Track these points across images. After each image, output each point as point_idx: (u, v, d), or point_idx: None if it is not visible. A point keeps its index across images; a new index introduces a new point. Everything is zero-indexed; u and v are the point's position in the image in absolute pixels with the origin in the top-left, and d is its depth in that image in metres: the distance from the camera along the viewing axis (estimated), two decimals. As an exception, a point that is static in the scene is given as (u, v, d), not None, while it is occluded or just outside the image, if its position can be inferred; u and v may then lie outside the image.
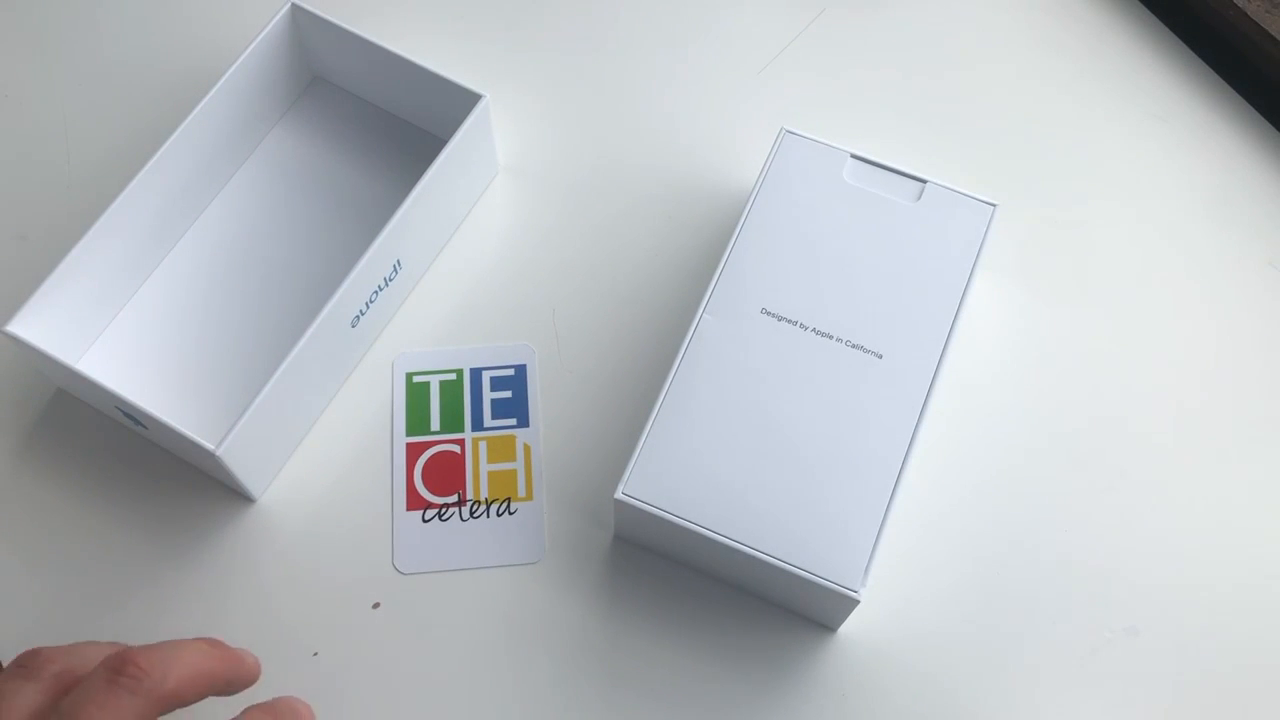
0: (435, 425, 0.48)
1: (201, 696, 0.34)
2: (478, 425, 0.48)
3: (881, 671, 0.43)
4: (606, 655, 0.44)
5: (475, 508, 0.46)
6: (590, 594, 0.45)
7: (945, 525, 0.46)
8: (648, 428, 0.43)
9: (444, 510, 0.46)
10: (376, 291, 0.47)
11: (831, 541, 0.41)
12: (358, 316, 0.46)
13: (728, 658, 0.44)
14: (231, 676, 0.35)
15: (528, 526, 0.46)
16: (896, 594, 0.44)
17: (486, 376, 0.49)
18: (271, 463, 0.46)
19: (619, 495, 0.42)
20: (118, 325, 0.49)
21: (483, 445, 0.47)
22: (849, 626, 0.44)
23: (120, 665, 0.32)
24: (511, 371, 0.49)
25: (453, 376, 0.49)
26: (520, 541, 0.46)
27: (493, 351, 0.49)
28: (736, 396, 0.43)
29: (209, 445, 0.41)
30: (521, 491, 0.47)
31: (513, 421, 0.48)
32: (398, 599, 0.45)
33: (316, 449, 0.47)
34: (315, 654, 0.44)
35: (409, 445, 0.47)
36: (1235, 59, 0.56)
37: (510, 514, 0.46)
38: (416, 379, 0.49)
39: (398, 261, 0.47)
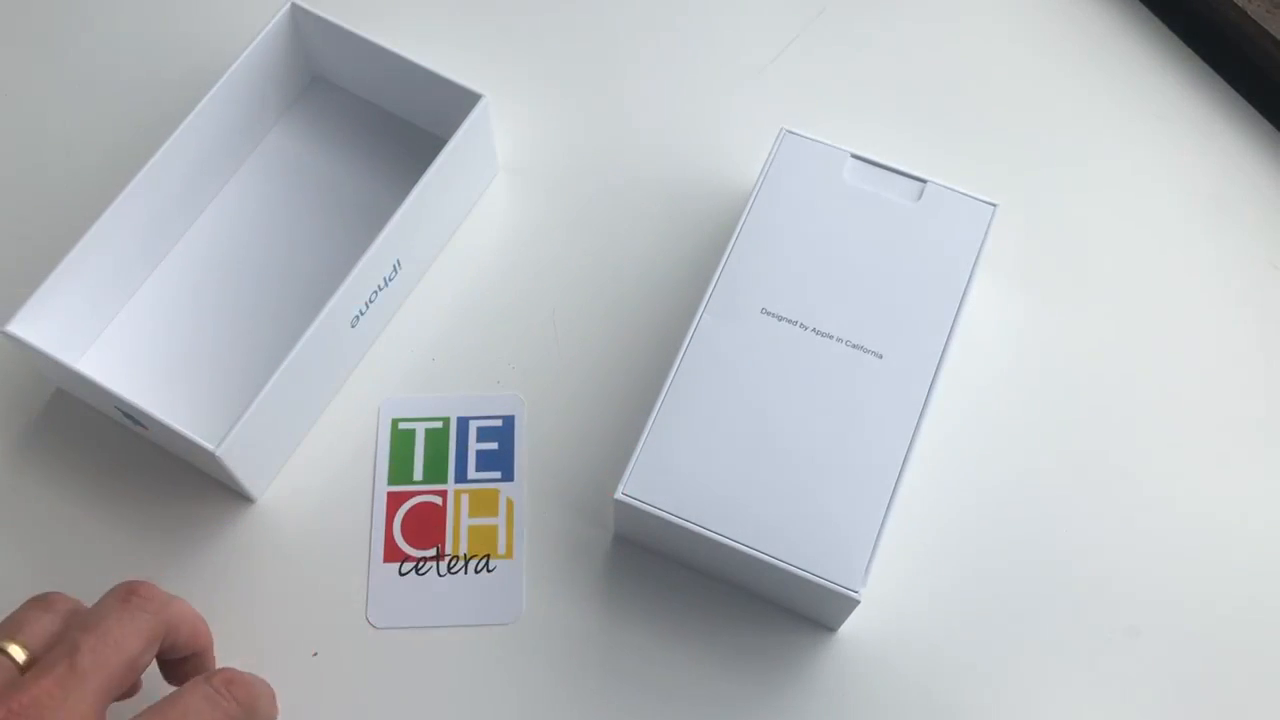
0: (418, 475, 0.47)
1: (190, 640, 0.39)
2: (461, 477, 0.46)
3: (881, 671, 0.43)
4: (606, 655, 0.44)
5: (454, 563, 0.45)
6: (590, 594, 0.45)
7: (946, 525, 0.46)
8: (648, 428, 0.43)
9: (421, 564, 0.45)
10: (376, 291, 0.47)
11: (831, 541, 0.41)
12: (358, 316, 0.46)
13: (728, 658, 0.44)
14: (207, 641, 0.40)
15: (506, 586, 0.45)
16: (896, 594, 0.44)
17: (474, 426, 0.47)
18: (271, 463, 0.46)
19: (619, 495, 0.42)
20: (118, 325, 0.49)
21: (465, 498, 0.46)
22: (849, 626, 0.44)
23: (129, 590, 0.37)
24: (499, 423, 0.47)
25: (439, 425, 0.47)
26: (498, 601, 0.44)
27: (482, 401, 0.48)
28: (736, 396, 0.43)
29: (209, 445, 0.41)
30: (502, 549, 0.45)
31: (497, 475, 0.46)
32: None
33: (316, 449, 0.47)
34: (315, 654, 0.44)
35: (390, 495, 0.46)
36: (1235, 59, 0.56)
37: (489, 571, 0.45)
38: (402, 426, 0.47)
39: (397, 261, 0.47)
